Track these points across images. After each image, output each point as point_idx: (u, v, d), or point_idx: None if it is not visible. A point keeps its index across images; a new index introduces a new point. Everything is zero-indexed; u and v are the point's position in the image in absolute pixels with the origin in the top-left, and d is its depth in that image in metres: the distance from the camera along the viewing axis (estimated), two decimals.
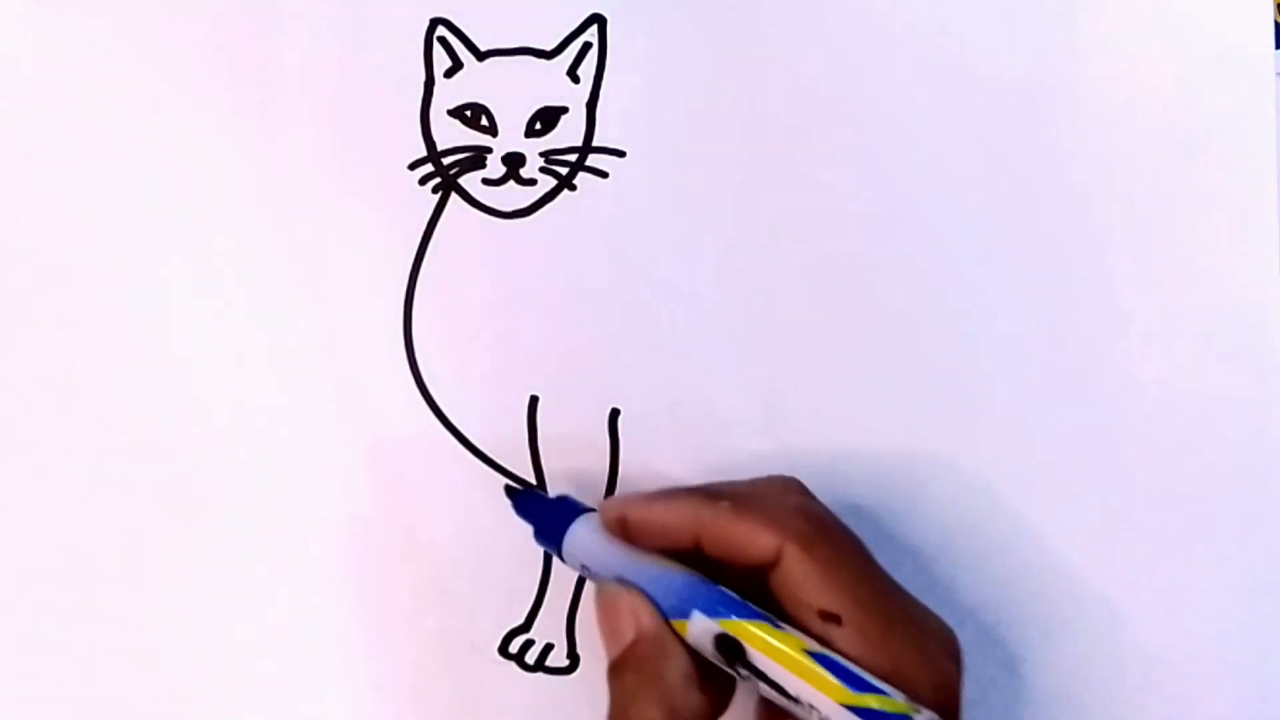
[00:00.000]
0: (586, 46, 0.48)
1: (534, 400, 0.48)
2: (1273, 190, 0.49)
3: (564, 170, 0.48)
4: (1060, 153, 0.49)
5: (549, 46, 0.47)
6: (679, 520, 0.40)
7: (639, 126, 0.48)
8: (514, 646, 0.48)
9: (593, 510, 0.44)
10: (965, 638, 0.40)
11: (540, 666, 0.48)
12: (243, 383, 0.47)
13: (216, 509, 0.47)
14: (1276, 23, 0.49)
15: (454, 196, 0.48)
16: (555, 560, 0.47)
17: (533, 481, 0.48)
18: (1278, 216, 0.49)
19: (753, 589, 0.40)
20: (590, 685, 0.48)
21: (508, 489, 0.47)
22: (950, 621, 0.41)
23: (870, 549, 0.41)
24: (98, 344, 0.47)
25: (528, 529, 0.46)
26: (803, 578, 0.38)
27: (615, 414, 0.48)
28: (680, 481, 0.47)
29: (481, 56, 0.47)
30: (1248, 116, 0.49)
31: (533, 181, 0.48)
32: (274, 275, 0.47)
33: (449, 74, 0.47)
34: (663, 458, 0.48)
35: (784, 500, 0.41)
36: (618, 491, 0.47)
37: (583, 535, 0.43)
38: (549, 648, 0.48)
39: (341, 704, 0.47)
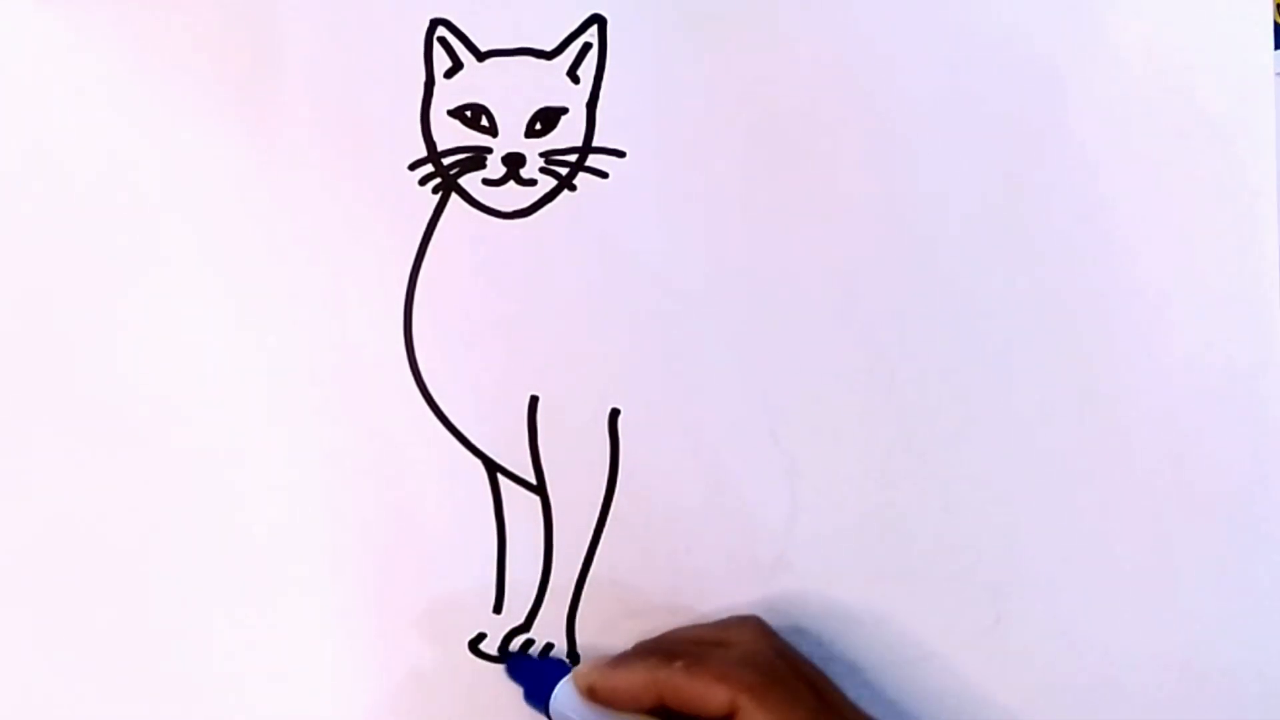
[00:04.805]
0: (586, 47, 0.47)
1: (534, 400, 0.48)
2: (1273, 190, 0.49)
3: (564, 170, 0.48)
4: (1060, 153, 0.49)
5: (549, 47, 0.47)
6: (640, 685, 0.43)
7: (639, 126, 0.48)
8: (514, 646, 0.48)
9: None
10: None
11: None
12: (243, 382, 0.47)
13: (215, 508, 0.47)
14: (1276, 23, 0.49)
15: (454, 197, 0.48)
16: (555, 561, 0.47)
17: (533, 481, 0.48)
18: (1278, 216, 0.49)
19: None
20: None
21: (501, 654, 0.48)
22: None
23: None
24: (97, 344, 0.47)
25: (528, 529, 0.46)
26: None
27: (615, 414, 0.48)
28: (679, 481, 0.48)
29: (481, 57, 0.47)
30: (1248, 116, 0.49)
31: (533, 182, 0.48)
32: (274, 275, 0.47)
33: (449, 74, 0.47)
34: (663, 458, 0.48)
35: (735, 653, 0.44)
36: (617, 493, 0.48)
37: (565, 698, 0.45)
38: (549, 648, 0.48)
39: (341, 704, 0.47)
